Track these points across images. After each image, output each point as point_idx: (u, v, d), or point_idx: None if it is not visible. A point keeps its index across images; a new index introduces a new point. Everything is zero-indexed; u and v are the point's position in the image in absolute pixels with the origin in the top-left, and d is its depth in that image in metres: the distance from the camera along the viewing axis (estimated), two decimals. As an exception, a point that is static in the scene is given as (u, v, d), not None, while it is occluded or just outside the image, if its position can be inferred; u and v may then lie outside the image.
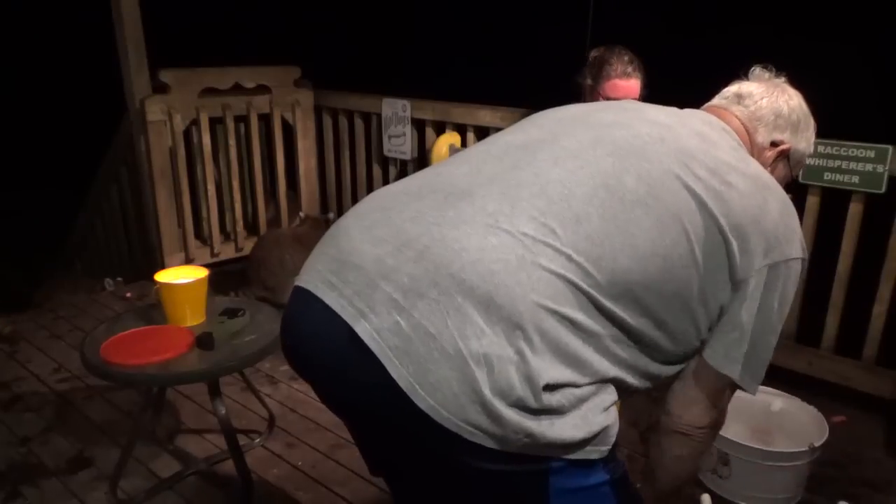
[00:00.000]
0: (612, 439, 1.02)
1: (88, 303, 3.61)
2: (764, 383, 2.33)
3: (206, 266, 2.25)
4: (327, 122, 4.12)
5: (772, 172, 1.23)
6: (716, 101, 1.30)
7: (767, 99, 1.26)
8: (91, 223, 4.43)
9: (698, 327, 1.09)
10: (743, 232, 1.05)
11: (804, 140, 1.29)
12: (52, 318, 3.40)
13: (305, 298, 1.02)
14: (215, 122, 3.76)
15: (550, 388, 0.93)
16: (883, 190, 2.38)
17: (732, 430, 1.96)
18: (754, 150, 1.24)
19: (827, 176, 2.46)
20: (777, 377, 2.42)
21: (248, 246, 3.77)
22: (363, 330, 0.93)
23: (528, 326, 0.92)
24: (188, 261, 3.71)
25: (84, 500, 2.09)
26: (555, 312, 0.94)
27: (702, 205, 1.03)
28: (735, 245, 1.05)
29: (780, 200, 1.12)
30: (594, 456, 0.99)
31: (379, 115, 3.75)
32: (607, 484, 1.03)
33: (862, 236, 2.50)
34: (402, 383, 0.91)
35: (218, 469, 2.24)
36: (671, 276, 1.02)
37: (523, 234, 0.96)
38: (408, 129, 3.62)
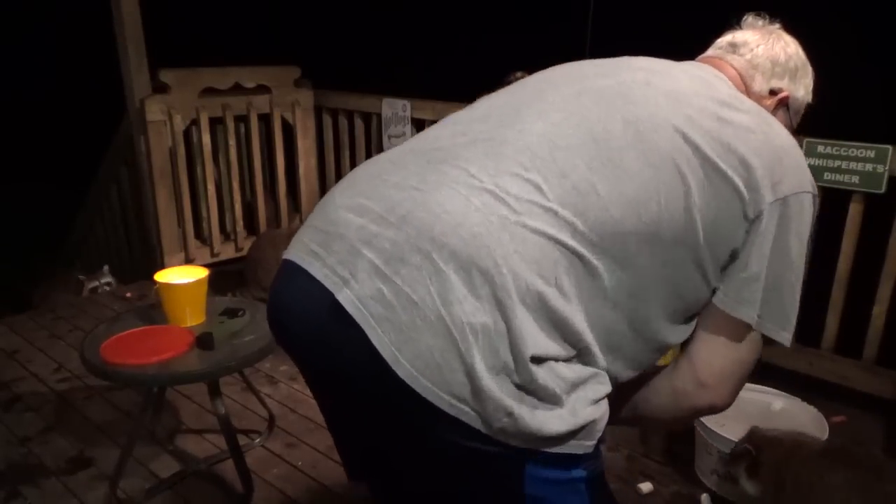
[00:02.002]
0: (599, 433, 0.98)
1: (88, 303, 3.61)
2: (764, 383, 2.34)
3: (206, 266, 2.26)
4: (327, 122, 4.12)
5: None
6: (710, 51, 1.26)
7: (763, 46, 1.21)
8: (91, 223, 4.43)
9: (706, 276, 1.03)
10: (746, 167, 1.00)
11: (803, 87, 1.24)
12: (52, 318, 3.40)
13: (291, 270, 1.01)
14: (215, 122, 3.76)
15: (537, 360, 0.90)
16: (883, 190, 2.38)
17: (733, 430, 1.96)
18: (752, 98, 1.18)
19: (827, 176, 2.46)
20: (777, 377, 2.43)
21: (247, 246, 3.77)
22: (345, 298, 0.92)
23: (512, 291, 0.88)
24: (188, 261, 3.71)
25: (84, 500, 2.10)
26: (540, 275, 0.90)
27: (695, 147, 0.99)
28: (739, 181, 0.99)
29: (783, 135, 1.08)
30: (578, 451, 0.96)
31: (379, 115, 3.75)
32: (583, 481, 1.00)
33: (862, 236, 2.50)
34: (383, 351, 0.89)
35: (218, 469, 2.23)
36: (669, 224, 0.97)
37: (507, 193, 0.93)
38: (408, 129, 3.63)
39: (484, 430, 0.90)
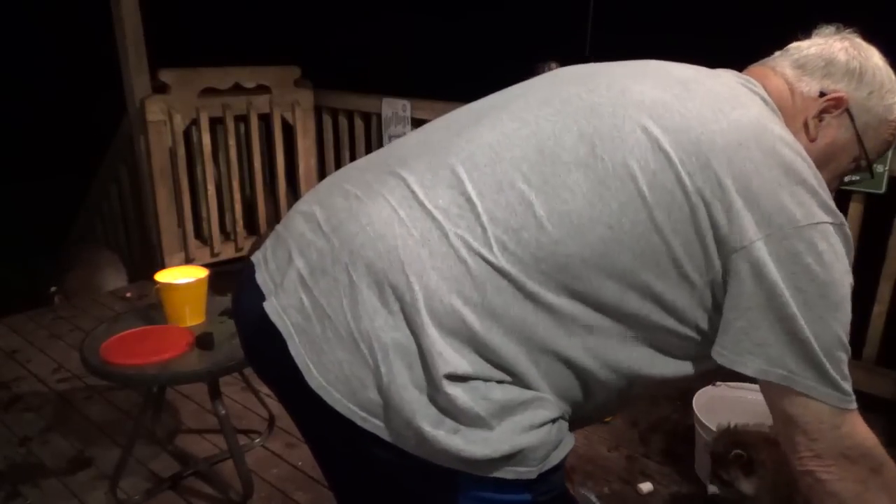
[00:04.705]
0: (539, 462, 0.87)
1: (88, 303, 3.61)
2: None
3: (206, 266, 2.26)
4: (327, 122, 4.12)
5: (814, 135, 1.00)
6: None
7: (818, 47, 1.02)
8: (91, 223, 4.43)
9: (678, 306, 0.88)
10: (722, 188, 0.85)
11: (877, 98, 0.99)
12: (52, 318, 3.40)
13: (247, 271, 1.01)
14: (215, 122, 3.76)
15: (456, 379, 0.83)
16: (883, 190, 2.38)
17: (732, 430, 1.95)
18: (796, 101, 1.00)
19: (827, 176, 2.46)
20: (777, 377, 2.43)
21: (248, 246, 3.78)
22: (269, 306, 0.92)
23: (422, 308, 0.83)
24: (188, 261, 3.71)
25: (84, 500, 2.09)
26: (460, 294, 0.84)
27: (668, 161, 0.86)
28: (712, 205, 0.85)
29: (789, 153, 0.88)
30: (509, 476, 0.86)
31: (379, 115, 3.75)
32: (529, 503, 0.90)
33: (862, 236, 2.50)
34: (298, 361, 0.88)
35: (218, 469, 2.23)
36: (624, 247, 0.85)
37: (436, 207, 0.88)
38: (408, 129, 3.62)
39: (400, 447, 0.86)
